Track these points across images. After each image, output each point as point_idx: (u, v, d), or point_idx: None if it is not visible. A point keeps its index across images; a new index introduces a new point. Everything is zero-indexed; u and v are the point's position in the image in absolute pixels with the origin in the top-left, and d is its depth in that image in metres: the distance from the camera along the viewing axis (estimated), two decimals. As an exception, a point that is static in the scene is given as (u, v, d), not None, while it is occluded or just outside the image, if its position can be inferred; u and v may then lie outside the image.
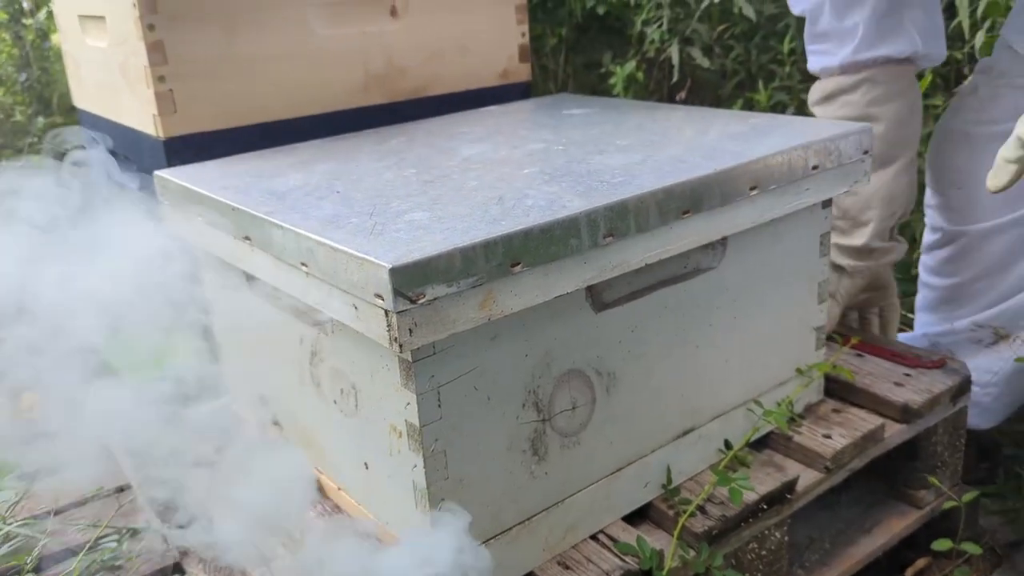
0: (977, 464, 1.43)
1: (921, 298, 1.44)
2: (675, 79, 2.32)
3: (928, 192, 1.40)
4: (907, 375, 1.19)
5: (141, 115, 1.24)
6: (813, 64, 1.31)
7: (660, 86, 2.49)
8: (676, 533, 0.93)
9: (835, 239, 1.31)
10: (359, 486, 0.95)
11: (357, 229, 0.79)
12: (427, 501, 0.80)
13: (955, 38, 1.78)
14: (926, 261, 1.41)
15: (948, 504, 1.17)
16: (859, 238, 1.28)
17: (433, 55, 1.42)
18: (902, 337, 1.44)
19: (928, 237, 1.40)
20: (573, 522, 0.92)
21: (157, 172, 1.09)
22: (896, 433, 1.13)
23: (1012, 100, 1.26)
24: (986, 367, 1.34)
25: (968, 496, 1.18)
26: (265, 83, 1.26)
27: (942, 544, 1.11)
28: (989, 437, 1.45)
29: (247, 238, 0.90)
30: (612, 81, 2.41)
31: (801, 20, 1.34)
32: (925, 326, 1.43)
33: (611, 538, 0.94)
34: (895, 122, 1.26)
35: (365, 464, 0.91)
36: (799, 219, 1.04)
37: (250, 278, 1.02)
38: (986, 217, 1.31)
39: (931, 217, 1.39)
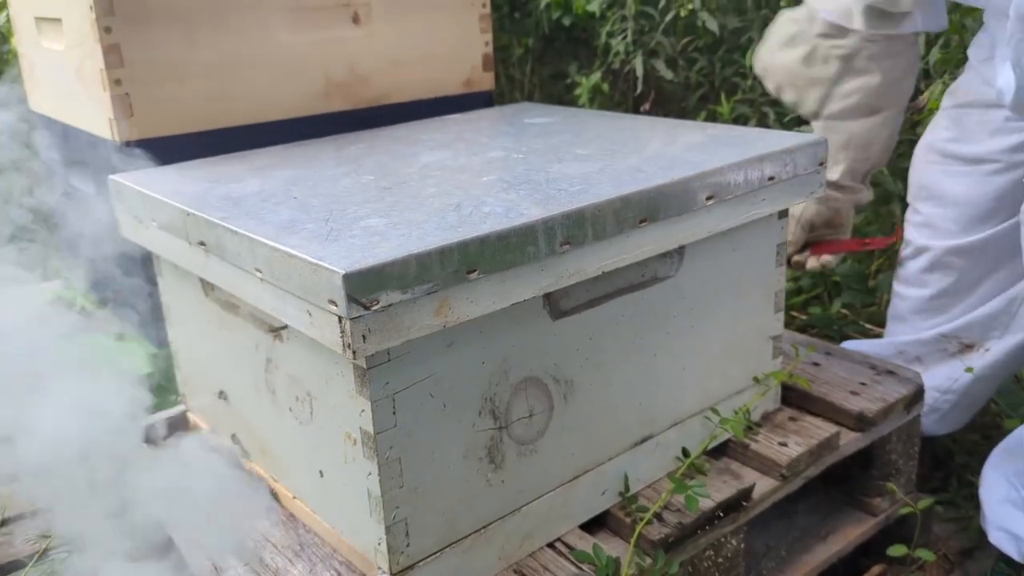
0: (931, 472, 1.45)
1: (892, 307, 1.47)
2: (639, 91, 2.34)
3: (909, 206, 1.44)
4: (863, 384, 1.21)
5: (97, 119, 1.22)
6: (824, 16, 1.33)
7: (625, 97, 2.51)
8: (633, 541, 0.93)
9: None
10: (314, 495, 0.94)
11: (312, 235, 0.78)
12: (382, 509, 0.80)
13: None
14: (899, 272, 1.45)
15: (903, 511, 1.19)
16: (833, 174, 1.34)
17: (396, 63, 1.42)
18: (871, 344, 1.46)
19: (903, 249, 1.44)
20: (530, 530, 0.92)
21: (112, 176, 1.07)
22: (851, 441, 1.14)
23: (976, 118, 1.29)
24: (947, 374, 1.36)
25: (922, 504, 1.20)
26: (225, 88, 1.25)
27: (897, 550, 1.12)
28: (943, 445, 1.47)
29: (202, 243, 0.89)
30: (578, 92, 2.43)
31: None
32: (894, 335, 1.45)
33: (568, 546, 0.94)
34: (889, 78, 1.31)
35: (320, 472, 0.90)
36: (755, 229, 1.05)
37: (205, 284, 1.01)
38: (954, 235, 1.34)
39: (907, 230, 1.43)
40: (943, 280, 1.37)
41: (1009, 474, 1.22)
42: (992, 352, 1.36)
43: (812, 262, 1.40)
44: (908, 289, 1.42)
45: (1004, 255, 1.32)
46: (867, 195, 1.39)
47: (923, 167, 1.37)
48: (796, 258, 1.42)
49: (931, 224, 1.36)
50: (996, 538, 1.19)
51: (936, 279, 1.37)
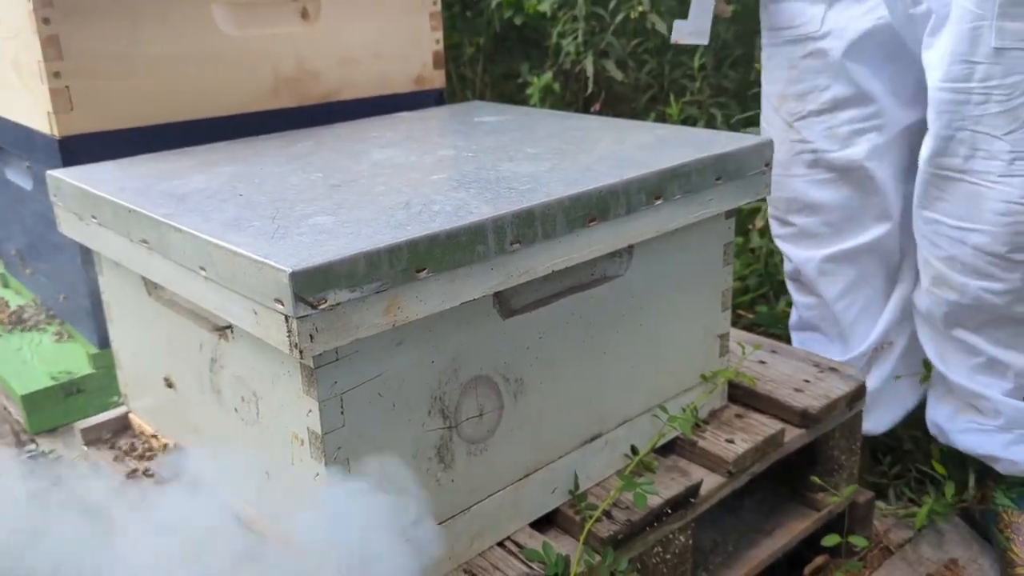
0: (872, 467, 1.49)
1: (799, 319, 1.52)
2: (590, 91, 2.35)
3: (774, 224, 1.47)
4: (807, 381, 1.23)
5: (35, 112, 1.19)
6: None
7: (576, 97, 2.52)
8: (582, 538, 0.93)
9: None
10: (261, 496, 0.92)
11: (259, 233, 0.77)
12: (329, 510, 0.79)
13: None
14: (793, 286, 1.50)
15: (833, 500, 1.21)
16: None
17: (346, 60, 1.40)
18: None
19: (786, 266, 1.49)
20: (479, 529, 0.92)
21: (50, 172, 1.05)
22: (796, 437, 1.16)
23: (823, 127, 1.32)
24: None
25: (863, 497, 1.23)
26: (169, 83, 1.23)
27: (831, 539, 1.15)
28: (882, 442, 1.51)
29: (144, 241, 0.87)
30: (529, 91, 2.43)
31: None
32: (809, 346, 1.50)
33: (518, 544, 0.94)
34: None
35: (267, 473, 0.89)
36: (703, 229, 1.07)
37: (148, 283, 0.99)
38: (832, 241, 1.39)
39: (782, 246, 1.47)
40: (833, 286, 1.41)
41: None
42: (896, 345, 1.43)
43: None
44: (806, 298, 1.47)
45: (881, 258, 1.39)
46: None
47: (787, 182, 1.39)
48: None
49: (808, 234, 1.41)
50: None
51: (826, 285, 1.42)
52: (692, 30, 1.30)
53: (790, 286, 1.51)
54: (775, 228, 1.47)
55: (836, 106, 1.30)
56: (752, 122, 2.01)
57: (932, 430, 1.37)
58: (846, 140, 1.31)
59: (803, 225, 1.41)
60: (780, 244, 1.47)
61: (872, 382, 1.42)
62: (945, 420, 1.33)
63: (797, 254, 1.44)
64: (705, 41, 1.29)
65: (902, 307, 1.41)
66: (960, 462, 1.40)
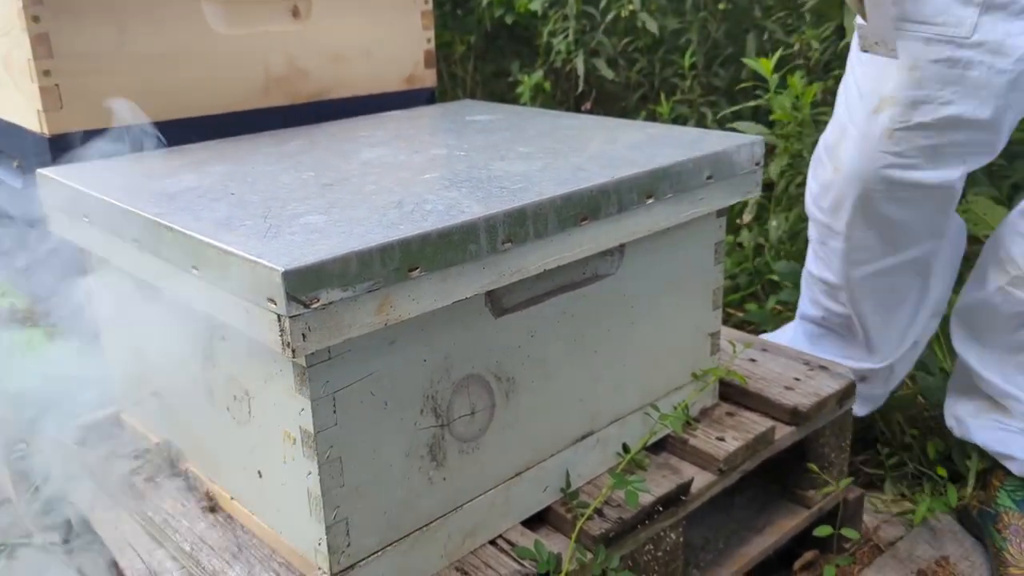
0: (868, 460, 1.50)
1: (819, 316, 1.49)
2: (580, 89, 2.36)
3: (815, 227, 1.39)
4: (797, 379, 1.24)
5: (25, 111, 1.18)
6: None
7: (567, 96, 2.53)
8: (574, 536, 0.94)
9: None
10: (253, 496, 0.92)
11: (251, 232, 0.77)
12: (322, 509, 0.79)
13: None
14: (816, 289, 1.46)
15: (825, 491, 1.22)
16: None
17: (337, 58, 1.40)
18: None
19: (819, 270, 1.43)
20: (471, 528, 0.92)
21: (40, 171, 1.04)
22: (786, 435, 1.17)
23: (922, 141, 1.17)
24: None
25: (853, 494, 1.23)
26: (159, 81, 1.22)
27: (823, 531, 1.16)
28: (871, 436, 1.52)
29: (135, 240, 0.87)
30: (519, 90, 2.43)
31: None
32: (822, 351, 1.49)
33: (509, 543, 0.94)
34: None
35: (259, 472, 0.89)
36: (694, 228, 1.07)
37: (139, 282, 0.98)
38: (880, 258, 1.33)
39: (825, 252, 1.39)
40: (869, 300, 1.38)
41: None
42: (919, 344, 1.44)
43: None
44: (834, 304, 1.43)
45: (921, 269, 1.37)
46: None
47: (867, 194, 1.25)
48: None
49: (857, 247, 1.33)
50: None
51: (863, 299, 1.38)
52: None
53: (816, 286, 1.45)
54: (816, 232, 1.39)
55: (951, 125, 1.12)
56: (740, 117, 2.02)
57: (949, 422, 1.38)
58: (943, 160, 1.15)
59: (855, 237, 1.30)
60: (824, 250, 1.39)
61: (892, 385, 1.44)
62: (967, 415, 1.35)
63: (838, 265, 1.35)
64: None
65: (930, 314, 1.41)
66: (962, 458, 1.41)
